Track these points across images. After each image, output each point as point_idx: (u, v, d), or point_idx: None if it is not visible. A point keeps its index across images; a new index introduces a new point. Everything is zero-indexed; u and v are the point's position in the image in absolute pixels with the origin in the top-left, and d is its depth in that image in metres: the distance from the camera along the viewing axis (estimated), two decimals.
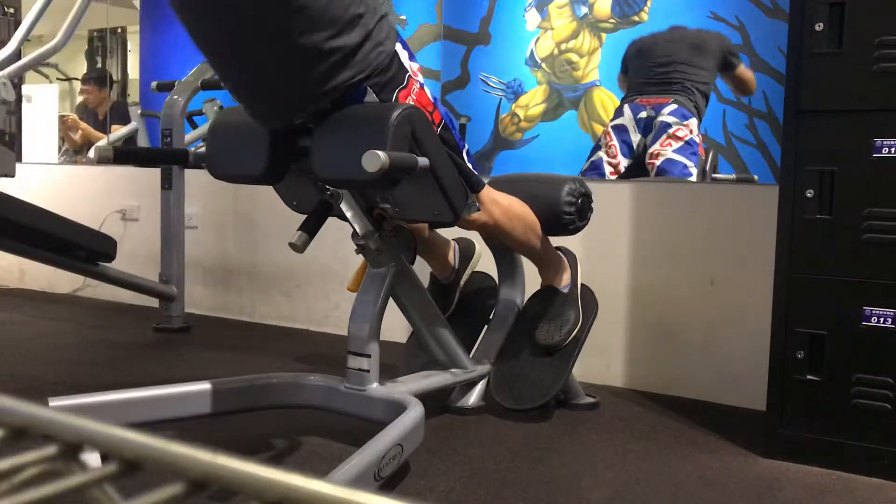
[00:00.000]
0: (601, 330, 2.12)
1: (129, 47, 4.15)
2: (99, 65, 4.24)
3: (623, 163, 2.50)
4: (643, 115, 2.48)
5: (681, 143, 2.41)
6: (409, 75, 1.53)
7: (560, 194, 1.87)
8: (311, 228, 1.61)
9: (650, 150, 2.45)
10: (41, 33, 3.08)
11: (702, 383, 2.14)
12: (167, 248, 2.79)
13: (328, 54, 1.40)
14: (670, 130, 2.42)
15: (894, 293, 1.52)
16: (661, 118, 2.44)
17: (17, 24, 3.77)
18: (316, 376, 1.74)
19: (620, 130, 2.51)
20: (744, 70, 2.38)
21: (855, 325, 1.55)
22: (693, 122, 2.42)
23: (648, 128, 2.46)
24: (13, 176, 2.33)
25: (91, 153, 3.78)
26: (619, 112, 2.54)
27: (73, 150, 4.12)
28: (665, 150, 2.41)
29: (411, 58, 1.57)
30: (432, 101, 1.58)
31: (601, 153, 2.54)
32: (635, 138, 2.48)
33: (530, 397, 1.87)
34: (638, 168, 2.49)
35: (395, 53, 1.50)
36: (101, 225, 3.19)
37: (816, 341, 1.59)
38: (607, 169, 2.51)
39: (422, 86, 1.56)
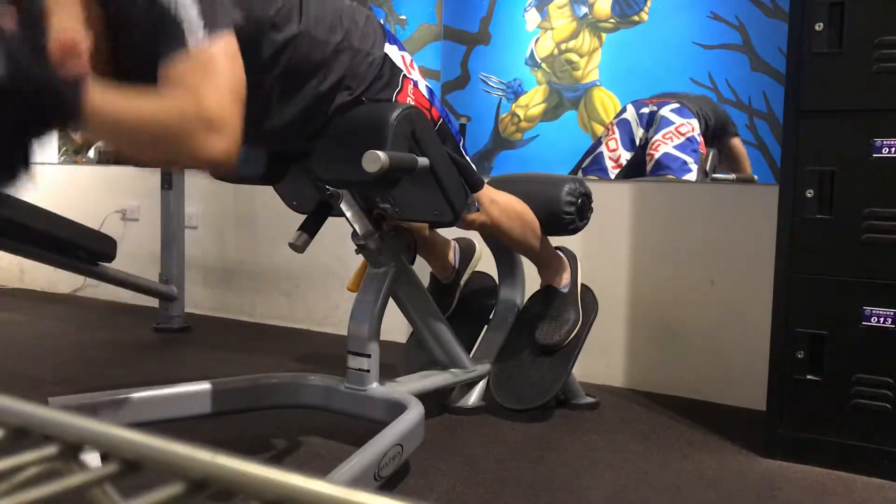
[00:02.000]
0: (601, 330, 2.12)
1: None
2: None
3: (624, 155, 2.50)
4: (645, 110, 2.49)
5: (682, 140, 2.41)
6: (403, 75, 1.52)
7: (560, 194, 1.87)
8: (311, 228, 1.61)
9: (651, 141, 2.45)
10: None
11: (702, 383, 2.14)
12: (167, 248, 2.80)
13: (323, 95, 1.42)
14: (672, 127, 2.42)
15: (894, 293, 1.52)
16: (662, 113, 2.45)
17: None
18: (316, 376, 1.74)
19: (623, 124, 2.52)
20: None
21: (855, 325, 1.55)
22: (695, 122, 2.42)
23: (650, 122, 2.47)
24: None
25: (91, 153, 3.78)
26: (622, 110, 2.55)
27: (73, 150, 4.12)
28: (666, 144, 2.41)
29: (400, 48, 1.56)
30: (428, 98, 1.57)
31: (602, 147, 2.55)
32: (638, 133, 2.49)
33: (530, 397, 1.87)
34: (640, 163, 2.49)
35: (386, 56, 1.49)
36: (101, 225, 3.19)
37: (816, 341, 1.59)
38: (609, 163, 2.51)
39: (415, 84, 1.55)
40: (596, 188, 2.01)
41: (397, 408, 1.52)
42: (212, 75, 1.12)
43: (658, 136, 2.43)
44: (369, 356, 1.64)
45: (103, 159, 2.31)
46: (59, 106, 1.07)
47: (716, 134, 2.43)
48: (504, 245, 1.96)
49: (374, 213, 1.66)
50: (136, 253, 3.22)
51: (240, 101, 1.17)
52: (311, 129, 1.47)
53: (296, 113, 1.42)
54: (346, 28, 1.42)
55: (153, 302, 2.91)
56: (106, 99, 1.09)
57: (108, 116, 1.09)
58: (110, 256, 2.32)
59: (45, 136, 1.13)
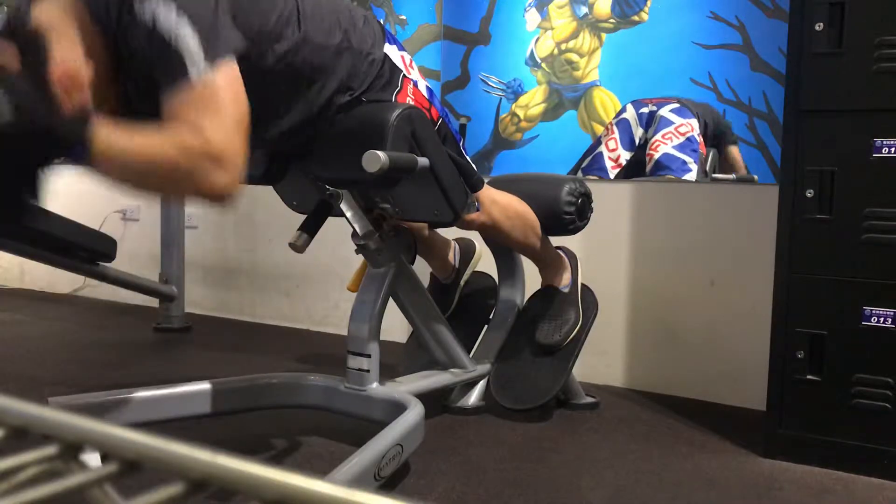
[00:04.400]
0: (601, 330, 2.12)
1: None
2: None
3: (624, 155, 2.50)
4: (645, 110, 2.49)
5: (682, 140, 2.41)
6: (403, 75, 1.52)
7: (560, 194, 1.87)
8: (311, 228, 1.61)
9: (650, 142, 2.45)
10: None
11: (702, 383, 2.14)
12: (167, 248, 2.79)
13: (324, 98, 1.42)
14: (672, 126, 2.42)
15: (894, 293, 1.52)
16: (661, 113, 2.45)
17: None
18: (316, 376, 1.74)
19: (623, 124, 2.52)
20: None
21: (855, 325, 1.55)
22: (694, 122, 2.42)
23: (650, 122, 2.47)
24: None
25: None
26: (622, 110, 2.55)
27: None
28: (665, 144, 2.41)
29: (400, 48, 1.56)
30: (427, 98, 1.58)
31: (601, 147, 2.55)
32: (637, 132, 2.49)
33: (530, 397, 1.87)
34: (639, 162, 2.49)
35: (385, 57, 1.49)
36: (101, 225, 3.19)
37: (816, 341, 1.59)
38: (608, 163, 2.51)
39: (415, 84, 1.55)
40: (596, 188, 2.01)
41: (397, 408, 1.52)
42: (215, 108, 1.11)
43: (658, 137, 2.43)
44: (369, 356, 1.64)
45: None
46: (67, 146, 1.07)
47: (714, 140, 2.43)
48: (505, 245, 1.96)
49: (374, 213, 1.66)
50: (136, 253, 3.22)
51: (244, 132, 1.15)
52: (312, 131, 1.47)
53: (297, 117, 1.42)
54: (344, 29, 1.42)
55: (153, 302, 2.91)
56: (111, 137, 1.07)
57: (114, 155, 1.08)
58: (110, 256, 2.32)
59: (49, 172, 1.13)
